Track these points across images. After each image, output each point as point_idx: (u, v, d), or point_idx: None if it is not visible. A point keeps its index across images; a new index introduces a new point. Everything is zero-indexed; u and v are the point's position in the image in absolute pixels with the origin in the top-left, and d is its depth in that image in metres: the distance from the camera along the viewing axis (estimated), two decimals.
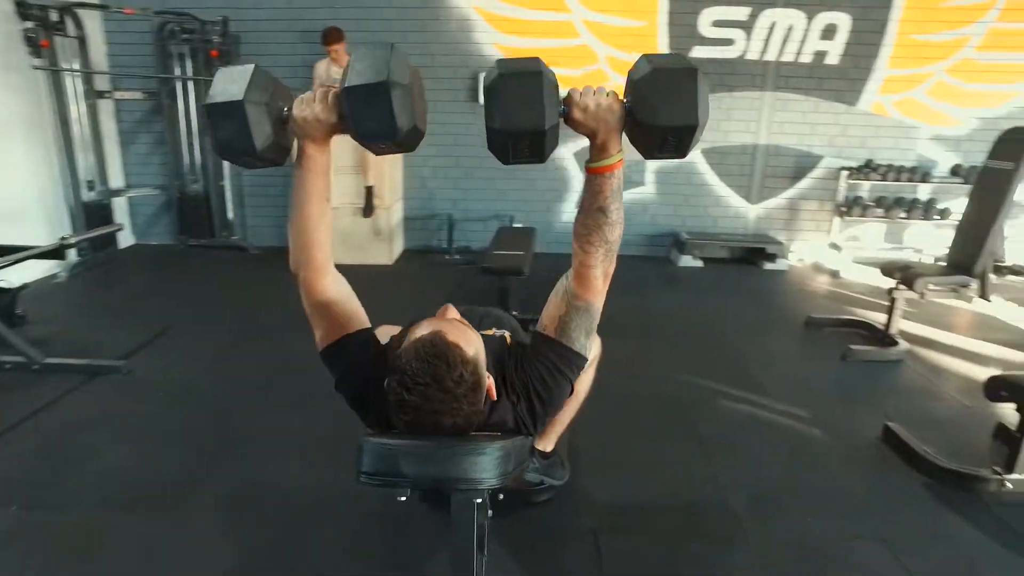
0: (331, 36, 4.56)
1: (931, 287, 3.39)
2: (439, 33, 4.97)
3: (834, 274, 5.20)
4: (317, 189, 1.25)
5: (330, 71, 4.68)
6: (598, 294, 1.26)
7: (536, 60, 1.17)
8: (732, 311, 4.27)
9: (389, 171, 4.87)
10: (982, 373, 3.24)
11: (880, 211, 5.23)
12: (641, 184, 5.49)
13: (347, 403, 1.33)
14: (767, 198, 5.54)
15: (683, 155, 1.19)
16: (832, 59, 5.15)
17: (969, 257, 3.40)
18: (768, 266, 5.31)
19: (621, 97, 1.18)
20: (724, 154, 5.40)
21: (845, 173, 5.24)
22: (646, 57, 1.18)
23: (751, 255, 5.42)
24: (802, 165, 5.43)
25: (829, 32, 5.07)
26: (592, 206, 1.22)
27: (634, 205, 5.49)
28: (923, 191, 5.35)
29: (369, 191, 4.68)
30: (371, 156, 4.67)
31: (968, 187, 5.08)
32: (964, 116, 5.29)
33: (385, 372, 1.18)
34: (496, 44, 4.99)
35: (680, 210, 5.57)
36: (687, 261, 5.32)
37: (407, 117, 1.15)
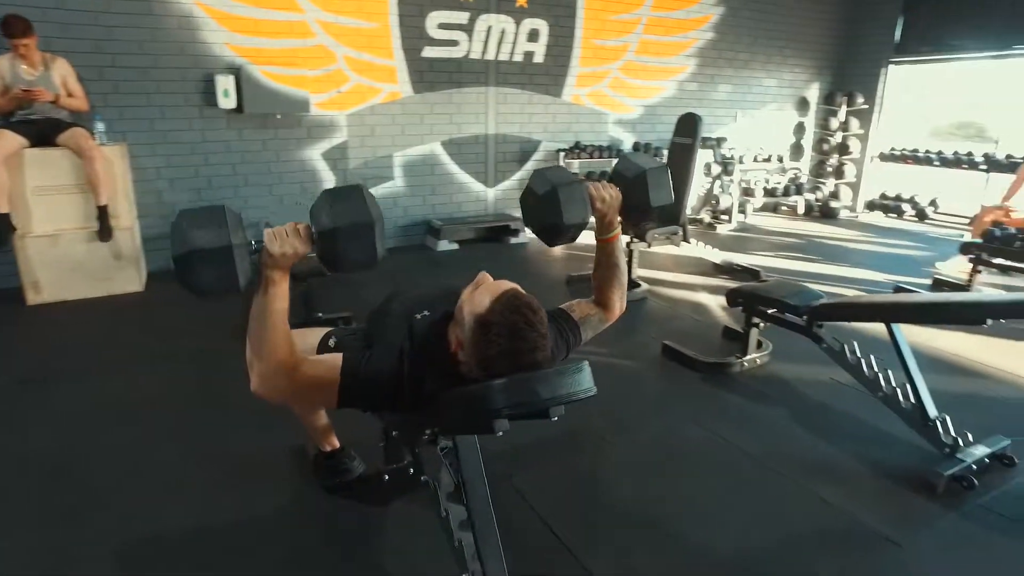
0: (17, 28, 3.74)
1: (657, 237, 4.39)
2: (158, 31, 4.44)
3: None
4: (284, 312, 1.32)
5: (17, 70, 3.85)
6: (615, 318, 1.74)
7: (563, 169, 1.68)
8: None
9: (123, 187, 4.23)
10: (698, 296, 4.36)
11: None
12: (391, 179, 5.70)
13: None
14: (502, 181, 6.26)
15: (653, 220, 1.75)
16: (538, 58, 6.03)
17: (675, 211, 4.49)
18: (512, 240, 6.05)
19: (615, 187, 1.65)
20: (461, 145, 5.93)
21: (562, 154, 6.23)
22: (626, 157, 1.73)
23: (496, 233, 6.09)
24: (526, 149, 6.27)
25: (534, 36, 5.93)
26: (608, 263, 1.68)
27: (386, 199, 5.70)
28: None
29: (103, 211, 4.01)
30: (101, 171, 4.04)
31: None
32: (634, 104, 6.72)
33: (403, 367, 1.32)
34: (229, 44, 4.67)
35: (429, 199, 5.95)
36: (444, 245, 5.75)
37: (383, 247, 1.35)
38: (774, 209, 7.71)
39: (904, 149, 7.42)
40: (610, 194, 1.61)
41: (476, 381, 1.32)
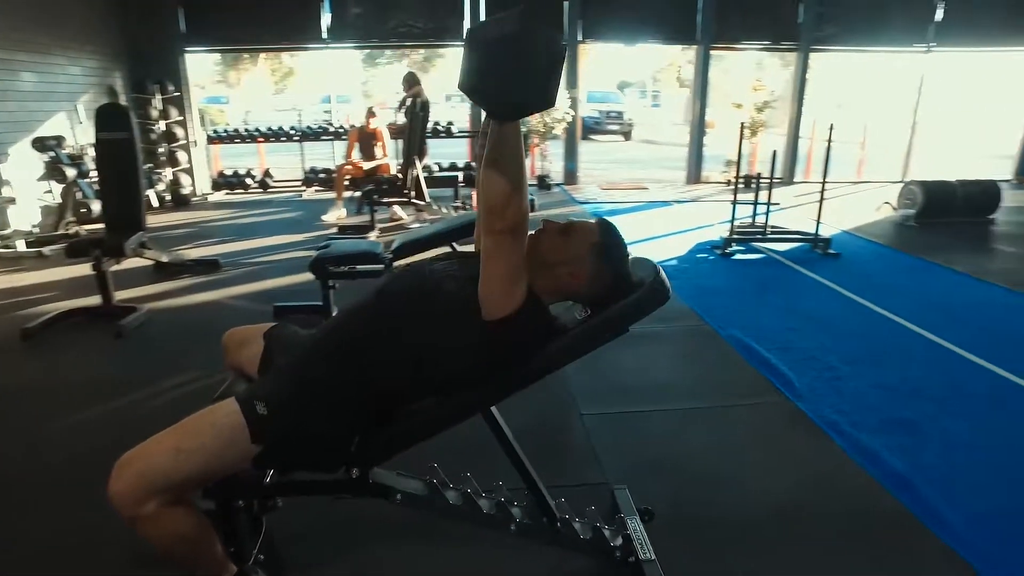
0: None
1: (133, 248, 3.88)
2: None
3: None
4: None
5: None
6: None
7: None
8: None
9: None
10: (212, 295, 4.18)
11: None
12: None
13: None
14: None
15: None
16: None
17: (136, 216, 4.00)
18: None
19: None
20: None
21: None
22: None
23: None
24: None
25: None
26: None
27: None
28: None
29: None
30: None
31: None
32: None
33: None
34: None
35: None
36: None
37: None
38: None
39: (228, 130, 8.19)
40: None
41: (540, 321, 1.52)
